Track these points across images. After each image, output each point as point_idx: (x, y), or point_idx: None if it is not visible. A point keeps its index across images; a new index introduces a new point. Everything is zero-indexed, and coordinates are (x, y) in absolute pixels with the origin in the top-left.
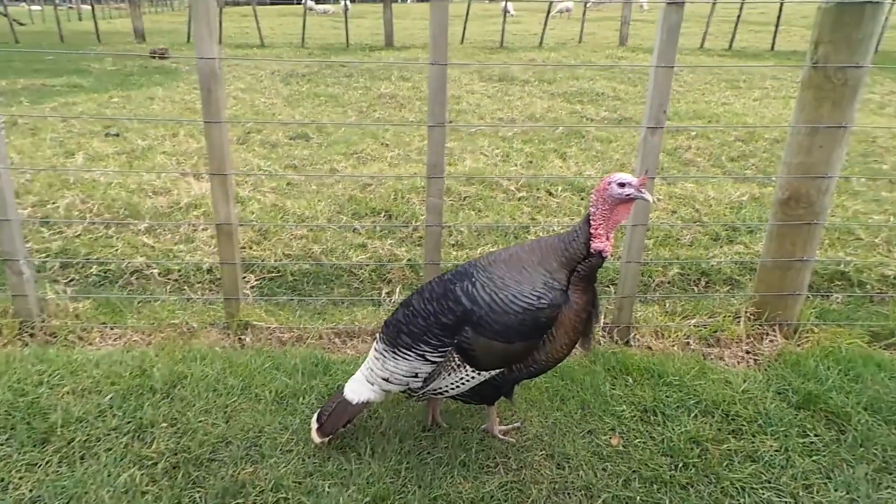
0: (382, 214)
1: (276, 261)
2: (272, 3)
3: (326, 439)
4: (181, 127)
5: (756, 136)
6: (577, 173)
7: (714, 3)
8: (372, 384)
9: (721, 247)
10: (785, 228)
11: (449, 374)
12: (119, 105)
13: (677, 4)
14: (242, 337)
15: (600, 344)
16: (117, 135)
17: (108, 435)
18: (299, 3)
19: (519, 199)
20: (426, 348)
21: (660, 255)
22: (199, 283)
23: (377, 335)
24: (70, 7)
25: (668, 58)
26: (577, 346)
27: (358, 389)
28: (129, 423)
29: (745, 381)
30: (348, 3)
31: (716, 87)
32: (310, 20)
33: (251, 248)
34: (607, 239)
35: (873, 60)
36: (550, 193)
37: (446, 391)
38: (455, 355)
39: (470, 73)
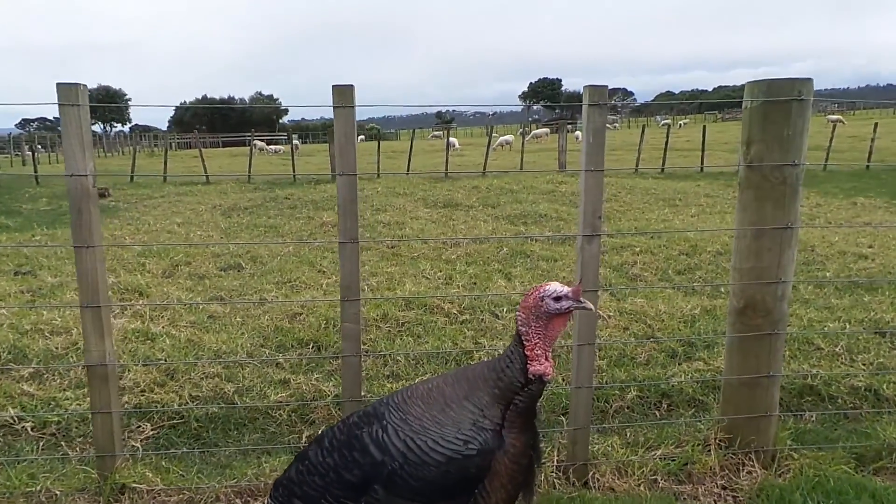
0: (311, 346)
1: (179, 405)
2: (225, 145)
3: None
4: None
5: (699, 250)
6: (522, 293)
7: (643, 131)
8: None
9: (679, 364)
10: (746, 342)
11: None
12: (40, 243)
13: (599, 106)
14: None
15: (555, 487)
16: (28, 272)
17: None
18: (252, 146)
19: (461, 323)
20: None
21: (615, 377)
22: (80, 437)
23: (267, 500)
24: (16, 154)
25: (596, 161)
26: (516, 501)
27: None
28: None
29: None
30: (297, 143)
31: (654, 205)
32: (260, 159)
33: (153, 391)
34: (546, 359)
35: (819, 182)
36: (496, 315)
37: None
38: None
39: (415, 200)
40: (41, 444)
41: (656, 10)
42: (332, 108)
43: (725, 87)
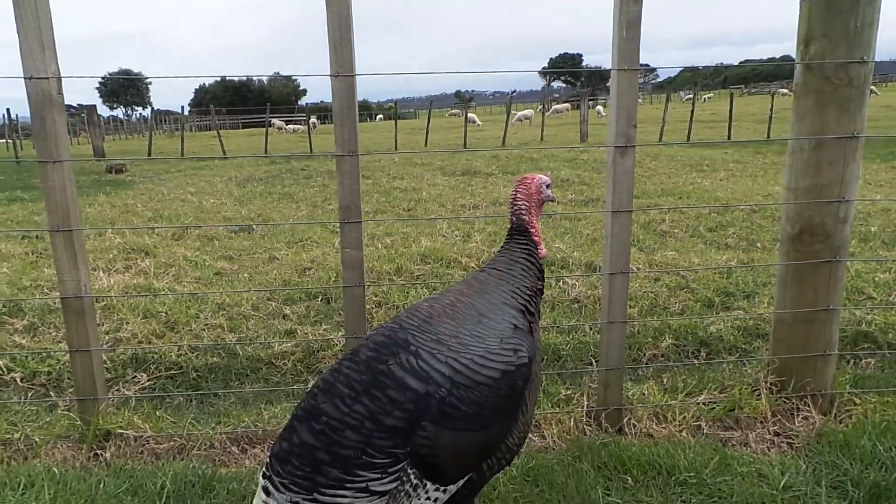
0: (320, 298)
1: (178, 355)
2: (244, 127)
3: None
4: (111, 226)
5: (732, 208)
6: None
7: (667, 100)
8: None
9: (716, 313)
10: (801, 271)
11: None
12: None
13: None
14: (100, 451)
15: (585, 433)
16: (35, 237)
17: None
18: (271, 126)
19: None
20: (370, 474)
21: (647, 326)
22: (71, 388)
23: (264, 482)
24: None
25: (630, 58)
26: None
27: None
28: None
29: (784, 474)
30: (315, 121)
31: (681, 170)
32: (279, 137)
33: (150, 342)
34: (542, 248)
35: None
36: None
37: None
38: (410, 472)
39: (433, 169)
40: (30, 394)
41: None
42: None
43: (751, 60)
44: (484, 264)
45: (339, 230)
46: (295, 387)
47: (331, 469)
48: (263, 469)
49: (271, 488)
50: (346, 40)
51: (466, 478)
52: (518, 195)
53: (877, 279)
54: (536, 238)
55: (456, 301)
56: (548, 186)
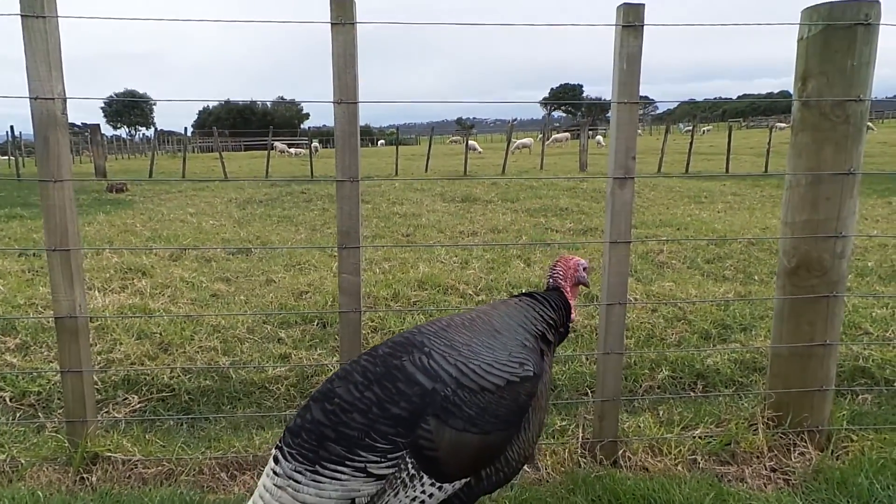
0: (315, 323)
1: (170, 377)
2: (246, 149)
3: None
4: (109, 245)
5: (729, 241)
6: (541, 276)
7: (667, 131)
8: None
9: (713, 345)
10: (798, 305)
11: (396, 496)
12: None
13: (634, 28)
14: (87, 475)
15: (580, 466)
16: (32, 254)
17: None
18: (273, 148)
19: (477, 303)
20: (369, 456)
21: (644, 357)
22: (60, 408)
23: (275, 452)
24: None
25: (630, 91)
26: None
27: None
28: None
29: None
30: (317, 145)
31: (679, 201)
32: (280, 160)
33: (143, 363)
34: (574, 311)
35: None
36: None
37: None
38: (409, 461)
39: (433, 195)
40: (18, 414)
41: (677, 18)
42: (329, 24)
43: (750, 95)
44: (484, 291)
45: (334, 255)
46: (287, 412)
47: (335, 446)
48: (277, 441)
49: (280, 457)
50: (350, 67)
51: (463, 482)
52: (557, 268)
53: (874, 314)
54: (572, 300)
55: (476, 317)
56: (584, 269)
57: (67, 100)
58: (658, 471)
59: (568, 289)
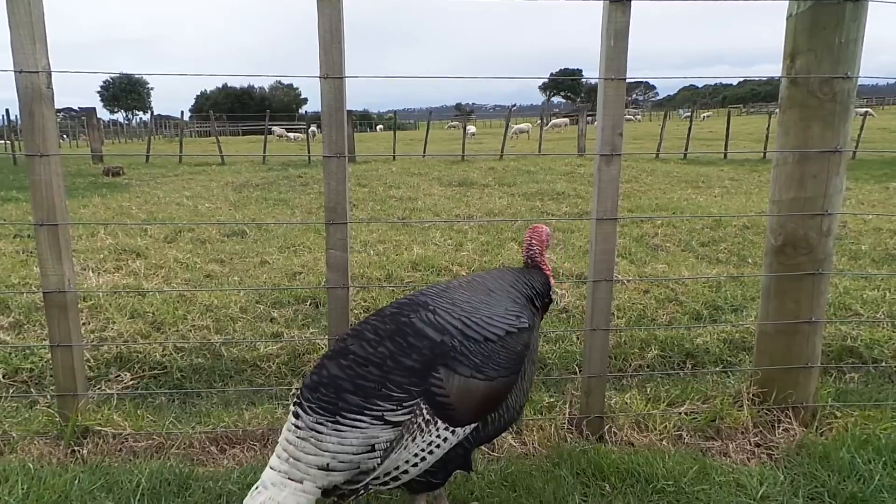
0: (308, 303)
1: (163, 355)
2: (244, 134)
3: None
4: (104, 227)
5: (725, 223)
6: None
7: (665, 117)
8: (300, 482)
9: (704, 326)
10: (784, 283)
11: (414, 440)
12: None
13: (620, 3)
14: (78, 448)
15: (566, 440)
16: (28, 236)
17: None
18: (271, 133)
19: None
20: (386, 405)
21: (634, 337)
22: (53, 385)
23: (295, 408)
24: None
25: (617, 67)
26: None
27: (277, 498)
28: None
29: (762, 484)
30: (315, 130)
31: (676, 186)
32: (279, 144)
33: (136, 341)
34: (553, 280)
35: (850, 168)
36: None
37: (405, 470)
38: (423, 408)
39: (430, 179)
40: (11, 391)
41: (679, 4)
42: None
43: (751, 80)
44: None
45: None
46: (278, 388)
47: (353, 397)
48: (294, 399)
49: (300, 412)
50: (336, 42)
51: (472, 427)
52: (533, 245)
53: (865, 296)
54: (547, 271)
55: (471, 280)
56: (548, 236)
57: (54, 76)
58: (643, 446)
59: (543, 260)
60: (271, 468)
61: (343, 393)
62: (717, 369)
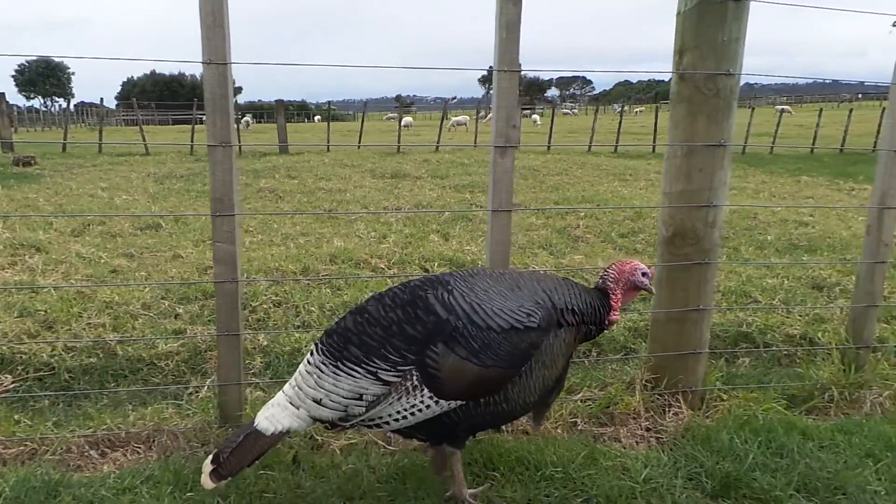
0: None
1: (50, 355)
2: (174, 123)
3: (223, 482)
4: (3, 219)
5: (644, 215)
6: (457, 250)
7: (596, 112)
8: (297, 407)
9: None
10: (674, 273)
11: (399, 399)
12: None
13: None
14: None
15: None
16: None
17: None
18: (200, 123)
19: (390, 278)
20: (381, 364)
21: None
22: None
23: (312, 346)
24: None
25: (510, 60)
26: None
27: (277, 416)
28: None
29: (646, 467)
30: (249, 119)
31: (604, 179)
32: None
33: (22, 341)
34: (617, 313)
35: (740, 161)
36: (426, 270)
37: (387, 421)
38: (414, 374)
39: (362, 171)
40: None
41: (617, 3)
42: None
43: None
44: (396, 265)
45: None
46: (175, 387)
47: (356, 350)
48: (315, 340)
49: (314, 350)
50: (219, 26)
51: (459, 403)
52: (609, 270)
53: (765, 284)
54: (613, 304)
55: (506, 273)
56: (644, 275)
57: None
58: (538, 434)
59: (618, 292)
60: (283, 392)
61: (349, 345)
62: (618, 357)
